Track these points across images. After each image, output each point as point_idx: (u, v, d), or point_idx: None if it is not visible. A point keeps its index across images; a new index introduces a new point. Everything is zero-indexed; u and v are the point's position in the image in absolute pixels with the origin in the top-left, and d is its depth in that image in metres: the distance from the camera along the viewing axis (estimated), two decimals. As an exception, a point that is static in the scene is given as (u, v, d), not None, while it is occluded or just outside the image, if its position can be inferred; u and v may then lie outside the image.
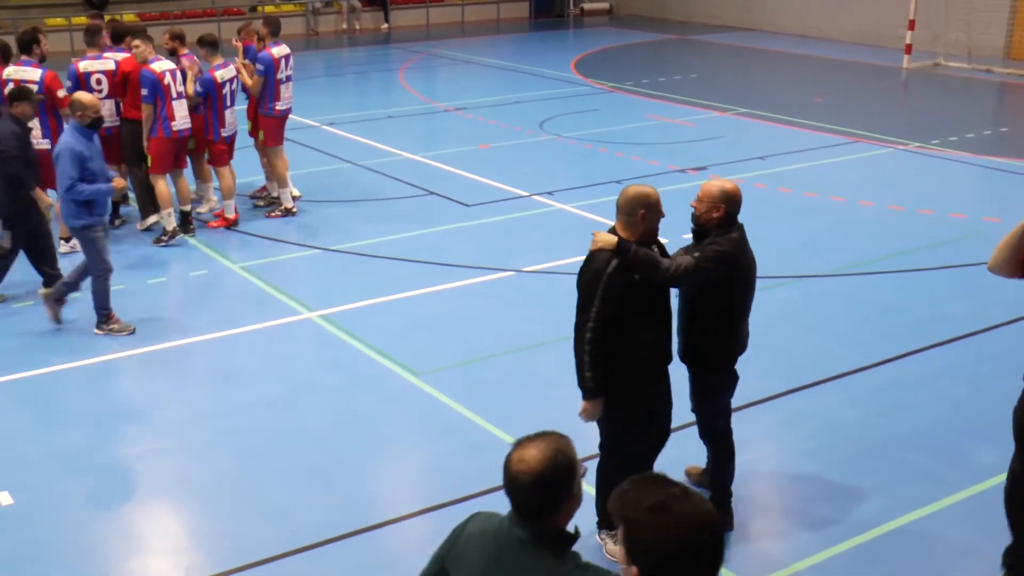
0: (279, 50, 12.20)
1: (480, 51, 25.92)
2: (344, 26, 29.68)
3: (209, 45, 11.89)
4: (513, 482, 3.17)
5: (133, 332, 9.17)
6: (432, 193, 13.23)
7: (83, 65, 11.47)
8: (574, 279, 5.72)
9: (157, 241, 11.43)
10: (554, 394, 8.03)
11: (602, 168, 14.43)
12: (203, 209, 12.28)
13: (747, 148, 15.45)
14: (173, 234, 11.42)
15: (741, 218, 6.01)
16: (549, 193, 13.11)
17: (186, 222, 11.74)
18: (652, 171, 14.09)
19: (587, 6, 33.10)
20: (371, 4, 30.25)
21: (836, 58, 24.24)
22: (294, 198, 12.61)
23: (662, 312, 5.77)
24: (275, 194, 12.56)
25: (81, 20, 24.57)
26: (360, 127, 17.05)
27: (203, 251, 11.17)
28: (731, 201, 5.90)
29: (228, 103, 11.84)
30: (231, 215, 11.97)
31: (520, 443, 3.21)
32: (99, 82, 11.46)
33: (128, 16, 25.36)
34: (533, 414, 7.70)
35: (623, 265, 5.47)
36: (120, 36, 11.99)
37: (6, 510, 6.55)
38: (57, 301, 9.35)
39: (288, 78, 12.35)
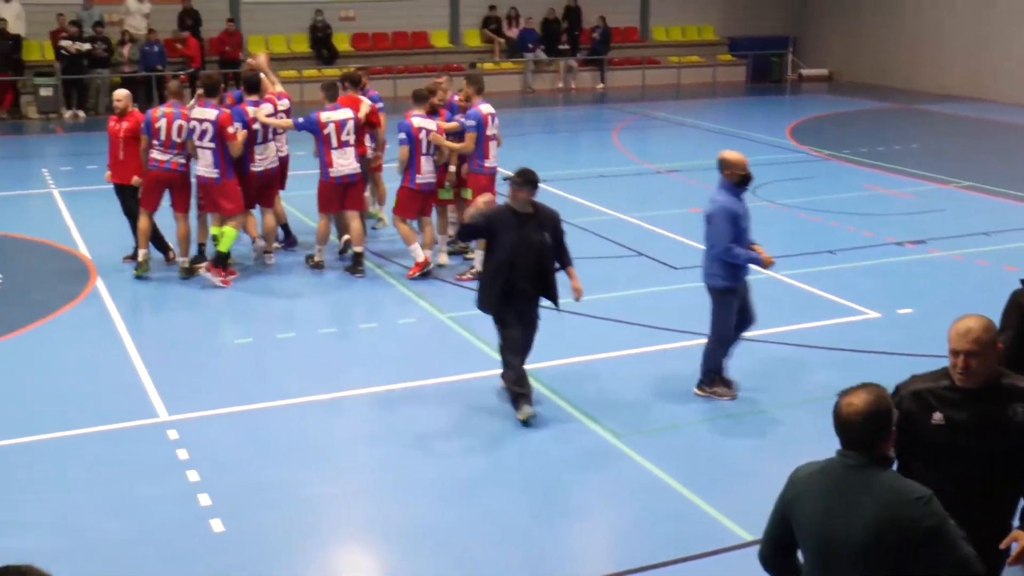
0: (486, 107, 12.50)
1: (695, 114, 25.87)
2: (560, 85, 30.19)
3: (420, 100, 12.44)
4: (846, 421, 4.03)
5: (734, 398, 8.95)
6: (641, 254, 13.22)
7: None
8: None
9: (308, 260, 12.61)
10: (755, 463, 7.86)
11: (815, 237, 14.11)
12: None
13: (971, 223, 14.80)
14: (318, 266, 12.44)
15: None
16: (759, 260, 12.87)
17: (357, 262, 12.36)
18: (867, 243, 13.68)
19: (805, 72, 32.57)
20: (587, 64, 30.71)
21: (1072, 132, 23.05)
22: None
23: (950, 465, 4.68)
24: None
25: (311, 72, 25.93)
26: (571, 185, 17.20)
27: (412, 298, 11.51)
28: None
29: (424, 150, 12.21)
30: (420, 258, 12.28)
31: (846, 392, 4.07)
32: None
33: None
34: (733, 483, 7.57)
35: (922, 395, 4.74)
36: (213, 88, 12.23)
37: (218, 536, 6.87)
38: (718, 379, 9.06)
39: (495, 136, 12.64)
